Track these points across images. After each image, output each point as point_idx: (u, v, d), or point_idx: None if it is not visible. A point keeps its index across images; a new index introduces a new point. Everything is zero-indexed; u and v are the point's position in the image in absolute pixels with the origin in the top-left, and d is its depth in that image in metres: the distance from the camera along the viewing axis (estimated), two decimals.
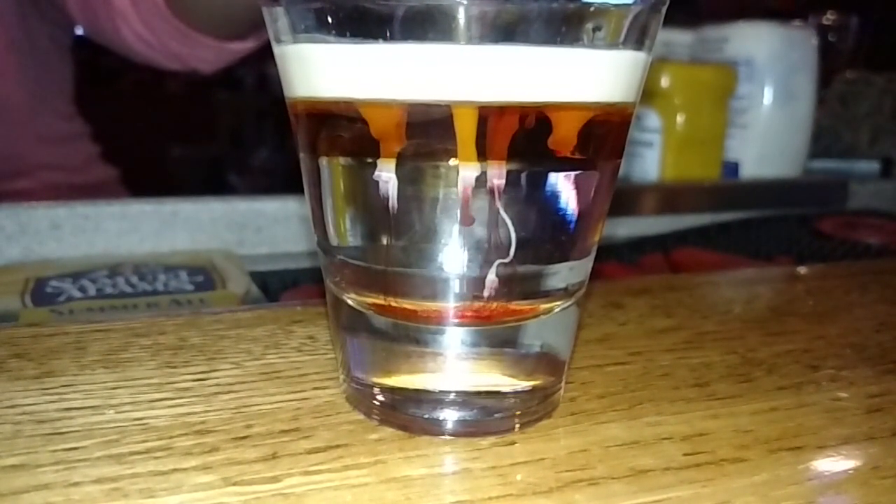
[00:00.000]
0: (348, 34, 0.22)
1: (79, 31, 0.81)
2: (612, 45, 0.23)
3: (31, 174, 0.75)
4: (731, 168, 0.79)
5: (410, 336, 0.25)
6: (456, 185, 0.22)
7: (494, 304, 0.24)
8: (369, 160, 0.23)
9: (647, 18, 0.23)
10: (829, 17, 1.04)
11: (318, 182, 0.25)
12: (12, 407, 0.26)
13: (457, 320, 0.24)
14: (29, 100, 0.74)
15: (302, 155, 0.26)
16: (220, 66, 0.70)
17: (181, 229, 0.53)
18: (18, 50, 0.71)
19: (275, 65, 0.25)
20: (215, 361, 0.30)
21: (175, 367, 0.29)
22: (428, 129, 0.22)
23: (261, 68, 2.80)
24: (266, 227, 0.55)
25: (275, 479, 0.22)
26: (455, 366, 0.25)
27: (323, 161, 0.25)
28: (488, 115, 0.22)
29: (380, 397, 0.25)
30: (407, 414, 0.25)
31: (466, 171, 0.22)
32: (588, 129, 0.23)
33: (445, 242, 0.23)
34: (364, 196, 0.24)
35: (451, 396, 0.25)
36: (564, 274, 0.25)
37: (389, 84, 0.22)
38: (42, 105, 0.76)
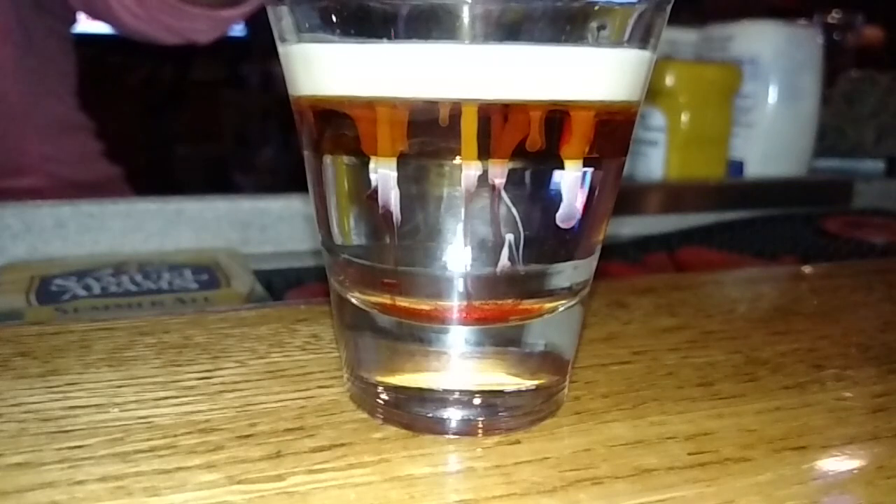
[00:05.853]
0: (352, 33, 0.22)
1: (77, 26, 0.81)
2: (617, 43, 0.23)
3: (33, 170, 0.75)
4: (736, 167, 0.79)
5: (414, 335, 0.25)
6: (460, 184, 0.22)
7: (498, 303, 0.24)
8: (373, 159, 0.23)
9: (652, 17, 0.23)
10: (834, 16, 1.04)
11: (321, 181, 0.25)
12: (17, 405, 0.26)
13: (461, 319, 0.24)
14: (27, 90, 0.74)
15: (306, 153, 0.26)
16: (218, 35, 0.70)
17: (186, 228, 0.53)
18: (14, 41, 0.71)
19: (279, 63, 0.25)
20: (219, 360, 0.30)
21: (179, 366, 0.29)
22: (432, 128, 0.22)
23: (266, 67, 2.80)
24: (270, 225, 0.55)
25: (279, 478, 0.22)
26: (459, 365, 0.25)
27: (327, 159, 0.25)
28: (493, 113, 0.21)
29: (384, 396, 0.25)
30: (411, 413, 0.25)
31: (470, 169, 0.22)
32: (593, 127, 0.23)
33: (449, 241, 0.23)
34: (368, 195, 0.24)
35: (455, 395, 0.25)
36: (569, 273, 0.25)
37: (393, 83, 0.22)
38: (41, 96, 0.76)
